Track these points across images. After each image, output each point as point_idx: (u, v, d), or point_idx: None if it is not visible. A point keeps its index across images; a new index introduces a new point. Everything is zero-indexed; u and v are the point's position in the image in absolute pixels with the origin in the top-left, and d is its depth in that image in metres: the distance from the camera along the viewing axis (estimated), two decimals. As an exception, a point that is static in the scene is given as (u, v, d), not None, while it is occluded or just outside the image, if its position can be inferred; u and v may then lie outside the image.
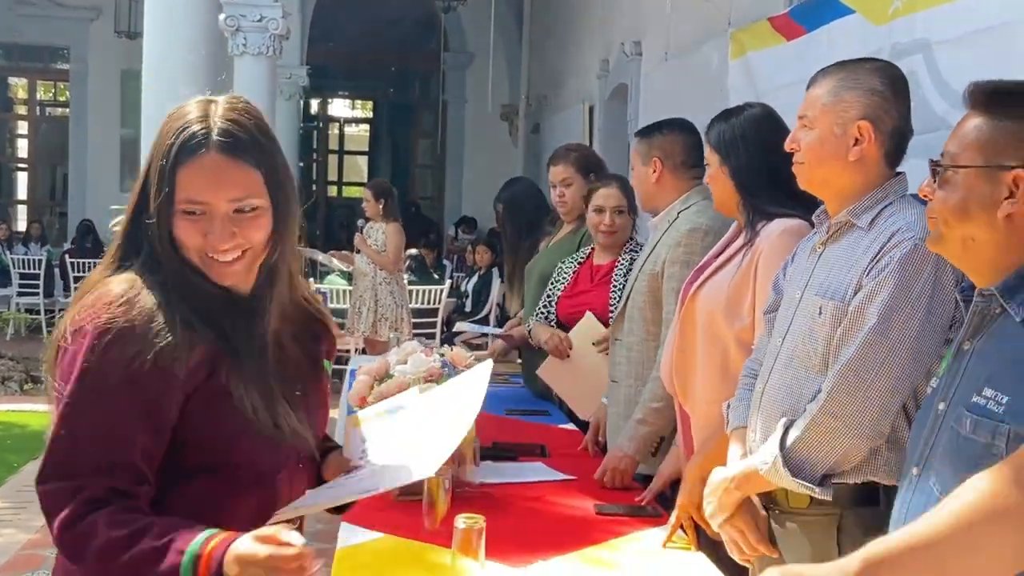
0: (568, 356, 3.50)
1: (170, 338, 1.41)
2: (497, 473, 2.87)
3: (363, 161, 18.06)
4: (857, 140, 1.92)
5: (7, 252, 11.74)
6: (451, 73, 14.73)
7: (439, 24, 14.15)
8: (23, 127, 15.62)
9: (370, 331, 7.06)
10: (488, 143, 13.83)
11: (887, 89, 1.93)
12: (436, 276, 9.47)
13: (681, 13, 6.82)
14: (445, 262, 11.34)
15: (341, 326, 7.54)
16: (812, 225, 2.12)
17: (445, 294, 8.66)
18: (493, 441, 3.20)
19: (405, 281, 7.79)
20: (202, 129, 1.45)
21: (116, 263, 1.53)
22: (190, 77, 4.65)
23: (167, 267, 1.47)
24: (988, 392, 1.38)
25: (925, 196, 1.54)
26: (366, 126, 18.37)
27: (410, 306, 7.76)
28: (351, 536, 2.32)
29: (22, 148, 15.84)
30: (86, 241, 11.69)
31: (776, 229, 2.27)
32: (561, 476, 2.92)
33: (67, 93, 14.66)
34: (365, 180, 15.73)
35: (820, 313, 1.89)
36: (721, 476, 1.99)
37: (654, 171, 2.87)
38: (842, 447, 1.80)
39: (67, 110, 14.59)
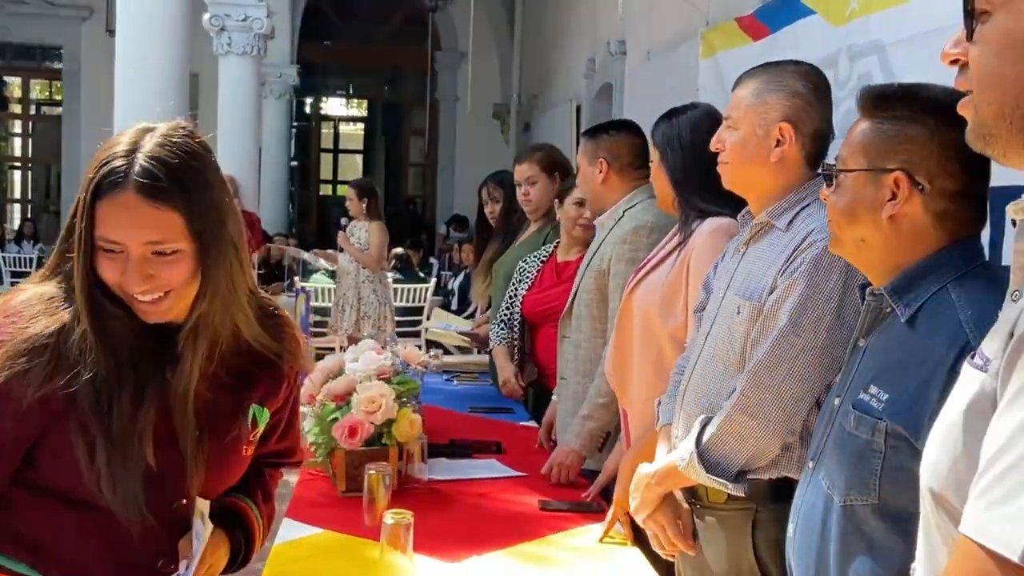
0: (522, 396, 3.75)
1: (26, 366, 1.37)
2: (448, 470, 2.90)
3: (359, 160, 18.10)
4: (779, 141, 1.94)
5: (-1, 250, 11.82)
6: (444, 72, 14.77)
7: (432, 24, 14.20)
8: (19, 126, 15.68)
9: (353, 329, 7.08)
10: (480, 142, 13.86)
11: (809, 92, 1.96)
12: (422, 275, 9.49)
13: (662, 13, 6.86)
14: (432, 260, 11.37)
15: (324, 324, 7.59)
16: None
17: (430, 292, 8.69)
18: (450, 439, 3.24)
19: (389, 280, 7.82)
20: (123, 166, 1.38)
21: (50, 272, 1.49)
22: (163, 77, 4.67)
23: (80, 298, 1.42)
24: (873, 389, 1.41)
25: (824, 199, 1.57)
26: (361, 125, 18.41)
27: (395, 304, 7.79)
28: (291, 531, 2.35)
29: (18, 147, 15.92)
30: (77, 239, 11.73)
31: (707, 227, 2.29)
32: (512, 473, 2.94)
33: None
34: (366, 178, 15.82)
35: (738, 312, 1.92)
36: (644, 472, 2.02)
37: (600, 172, 2.90)
38: (755, 444, 1.83)
39: (61, 109, 14.65)
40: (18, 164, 15.88)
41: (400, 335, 7.64)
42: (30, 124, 15.50)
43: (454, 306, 9.14)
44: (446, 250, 12.63)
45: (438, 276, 10.14)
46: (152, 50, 4.68)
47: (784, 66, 2.03)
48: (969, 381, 0.92)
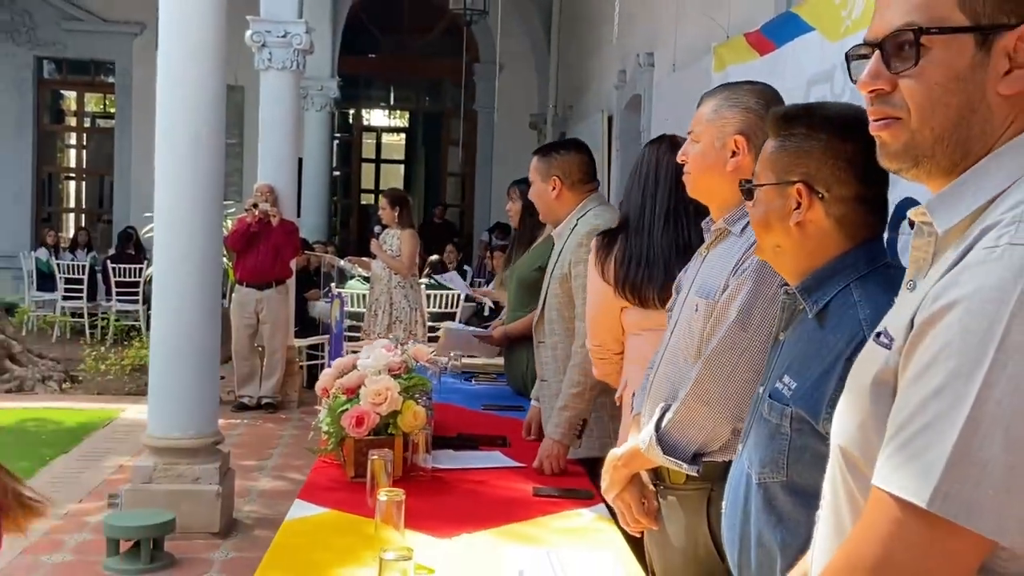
0: None
1: None
2: (452, 460, 3.11)
3: (401, 169, 18.43)
4: (734, 152, 2.14)
5: (53, 258, 12.25)
6: (482, 83, 15.02)
7: (471, 36, 14.46)
8: (74, 138, 16.20)
9: (385, 333, 7.33)
10: (517, 152, 14.06)
11: (762, 108, 2.14)
12: (457, 281, 9.72)
13: (686, 26, 7.04)
14: (466, 268, 11.60)
15: (358, 328, 7.85)
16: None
17: (463, 298, 8.91)
18: (458, 432, 3.45)
19: (422, 286, 8.06)
20: None
21: None
22: (200, 90, 4.91)
23: None
24: (785, 379, 1.60)
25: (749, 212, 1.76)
26: (402, 135, 18.75)
27: (427, 309, 8.03)
28: (300, 510, 2.58)
29: (73, 158, 16.45)
30: (127, 247, 12.16)
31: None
32: (513, 463, 3.14)
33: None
34: (401, 188, 16.16)
35: (696, 310, 2.11)
36: (613, 455, 2.22)
37: (553, 188, 3.19)
38: (707, 428, 2.01)
39: (114, 122, 15.12)
40: (73, 175, 16.40)
41: (432, 339, 7.85)
42: (84, 136, 16.01)
43: (486, 312, 9.35)
44: (484, 256, 12.87)
45: (472, 283, 10.36)
46: (191, 64, 4.88)
47: (741, 86, 2.22)
48: (874, 355, 1.08)
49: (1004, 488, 0.89)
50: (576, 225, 3.11)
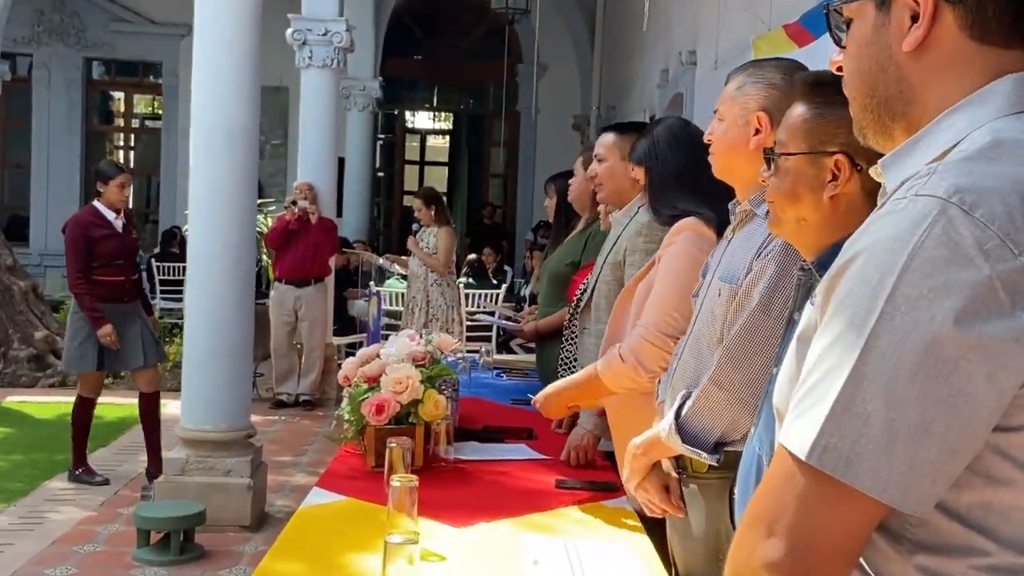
0: None
1: None
2: (476, 451, 3.06)
3: (445, 171, 18.46)
4: (757, 130, 2.06)
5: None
6: (525, 84, 14.99)
7: (515, 36, 14.45)
8: (122, 139, 16.44)
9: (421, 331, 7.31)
10: (559, 153, 14.04)
11: (786, 85, 2.05)
12: (495, 281, 9.69)
13: (728, 22, 6.94)
14: (506, 268, 11.56)
15: (396, 327, 7.84)
16: (713, 223, 2.37)
17: (501, 298, 8.88)
18: (484, 424, 3.40)
19: (460, 284, 8.03)
20: None
21: None
22: (233, 88, 4.91)
23: None
24: None
25: (764, 183, 1.68)
26: (446, 137, 18.77)
27: (466, 309, 8.00)
28: (317, 498, 2.54)
29: (121, 159, 16.68)
30: (171, 246, 12.28)
31: (676, 228, 2.49)
32: (537, 456, 3.09)
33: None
34: (445, 189, 16.22)
35: (719, 295, 2.04)
36: (633, 443, 2.15)
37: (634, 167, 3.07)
38: (728, 415, 1.94)
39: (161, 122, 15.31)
40: (121, 175, 16.63)
41: (470, 339, 7.84)
42: (132, 137, 16.23)
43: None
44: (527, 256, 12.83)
45: (512, 283, 10.32)
46: (225, 61, 4.89)
47: (768, 62, 2.15)
48: (805, 315, 1.06)
49: (884, 443, 0.86)
50: (636, 212, 2.99)
